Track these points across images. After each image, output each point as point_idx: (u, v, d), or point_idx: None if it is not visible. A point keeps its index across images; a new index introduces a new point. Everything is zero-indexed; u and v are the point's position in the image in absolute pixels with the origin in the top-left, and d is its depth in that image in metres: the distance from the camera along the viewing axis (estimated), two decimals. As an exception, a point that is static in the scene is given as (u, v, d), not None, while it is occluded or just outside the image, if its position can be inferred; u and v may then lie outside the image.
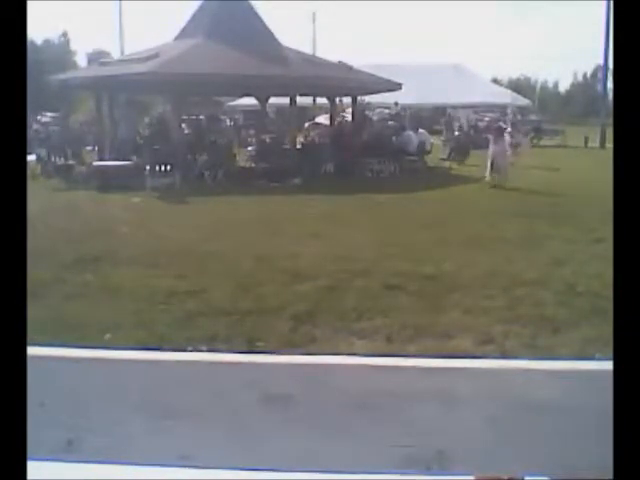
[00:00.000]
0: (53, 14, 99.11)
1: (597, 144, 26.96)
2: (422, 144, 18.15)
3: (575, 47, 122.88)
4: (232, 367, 1.10)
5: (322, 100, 22.38)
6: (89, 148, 19.08)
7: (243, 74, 15.24)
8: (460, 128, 26.89)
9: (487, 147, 14.95)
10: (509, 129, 19.63)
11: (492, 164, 14.40)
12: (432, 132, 25.53)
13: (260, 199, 11.88)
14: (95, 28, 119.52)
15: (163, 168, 14.68)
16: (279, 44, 17.46)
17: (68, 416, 1.09)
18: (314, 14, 46.97)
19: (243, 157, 18.12)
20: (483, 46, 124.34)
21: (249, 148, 18.92)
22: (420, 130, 18.77)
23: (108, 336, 4.56)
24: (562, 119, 41.02)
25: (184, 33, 17.37)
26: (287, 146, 17.14)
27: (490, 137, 15.29)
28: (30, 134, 17.26)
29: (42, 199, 10.39)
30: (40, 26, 76.26)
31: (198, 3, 17.74)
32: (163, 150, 14.98)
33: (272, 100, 21.75)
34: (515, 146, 18.70)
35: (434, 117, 32.92)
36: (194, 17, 17.52)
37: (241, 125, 27.77)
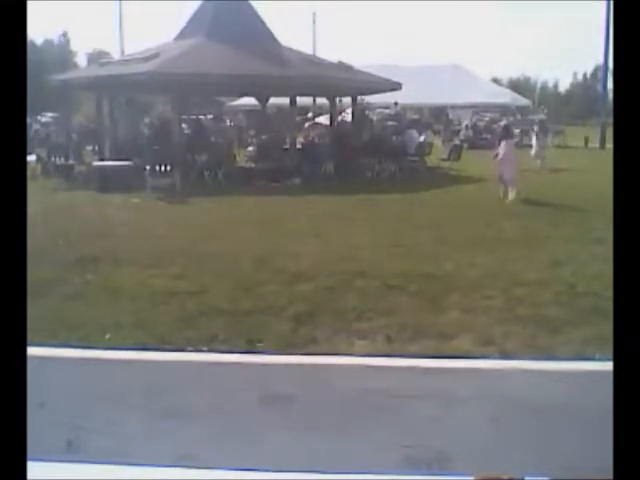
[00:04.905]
0: (53, 14, 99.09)
1: (597, 144, 26.92)
2: (422, 144, 18.15)
3: (575, 47, 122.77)
4: (232, 367, 1.10)
5: (322, 100, 22.38)
6: (89, 148, 19.08)
7: (243, 74, 15.24)
8: (467, 127, 26.96)
9: (488, 148, 14.10)
10: (536, 130, 19.27)
11: (502, 174, 11.89)
12: (432, 132, 25.59)
13: (260, 199, 11.88)
14: (95, 28, 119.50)
15: (163, 168, 14.69)
16: (279, 44, 17.46)
17: (68, 416, 1.09)
18: (314, 14, 46.92)
19: (243, 157, 18.13)
20: (483, 46, 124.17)
21: (249, 148, 18.92)
22: (410, 131, 18.76)
23: (108, 336, 4.56)
24: (562, 119, 40.99)
25: (184, 33, 17.37)
26: (287, 146, 17.14)
27: (501, 140, 12.58)
28: (30, 134, 17.28)
29: (42, 199, 10.39)
30: (40, 26, 76.25)
31: (198, 3, 17.76)
32: (163, 150, 14.98)
33: (272, 100, 21.75)
34: (541, 148, 18.46)
35: (434, 117, 32.99)
36: (194, 17, 17.53)
37: (241, 125, 27.79)
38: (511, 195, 11.64)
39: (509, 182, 11.84)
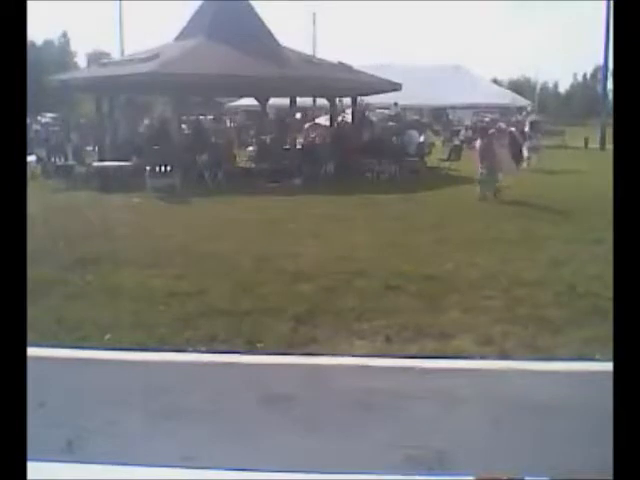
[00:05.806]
0: (53, 14, 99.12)
1: (597, 145, 26.92)
2: (422, 145, 18.13)
3: (575, 47, 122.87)
4: (232, 367, 1.10)
5: (322, 101, 22.37)
6: (89, 148, 19.09)
7: (243, 75, 15.24)
8: (467, 128, 26.95)
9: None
10: (527, 130, 19.31)
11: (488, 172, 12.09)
12: (432, 132, 25.59)
13: (260, 199, 11.87)
14: (95, 28, 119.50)
15: (163, 168, 14.66)
16: (279, 44, 17.46)
17: (68, 417, 1.09)
18: (314, 14, 46.94)
19: (243, 157, 18.12)
20: (483, 47, 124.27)
21: (249, 148, 18.92)
22: (410, 131, 18.77)
23: (108, 336, 4.56)
24: (562, 119, 41.01)
25: (184, 33, 17.38)
26: (287, 147, 17.14)
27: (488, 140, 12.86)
28: (30, 134, 17.26)
29: (42, 200, 10.39)
30: (40, 26, 76.35)
31: (198, 3, 17.75)
32: (163, 150, 14.97)
33: (272, 100, 21.75)
34: (534, 149, 18.48)
35: (434, 118, 33.01)
36: (194, 17, 17.54)
37: (241, 125, 27.81)
38: (506, 194, 11.76)
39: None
